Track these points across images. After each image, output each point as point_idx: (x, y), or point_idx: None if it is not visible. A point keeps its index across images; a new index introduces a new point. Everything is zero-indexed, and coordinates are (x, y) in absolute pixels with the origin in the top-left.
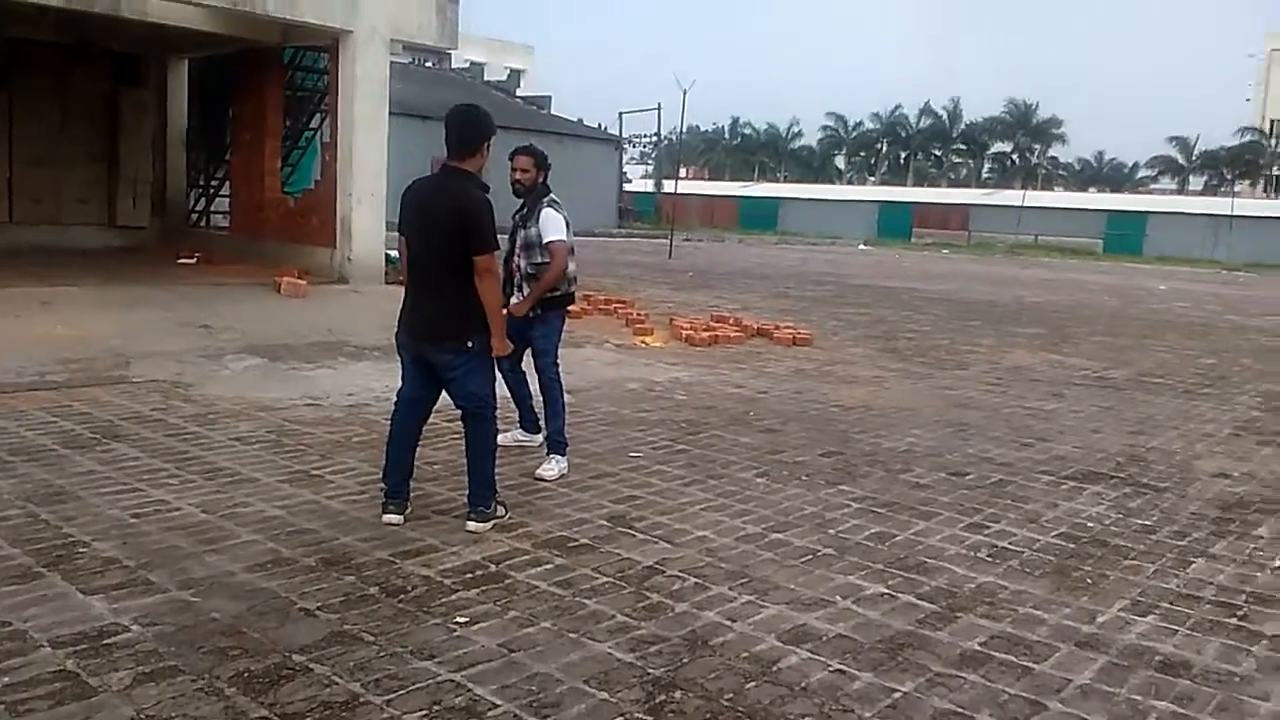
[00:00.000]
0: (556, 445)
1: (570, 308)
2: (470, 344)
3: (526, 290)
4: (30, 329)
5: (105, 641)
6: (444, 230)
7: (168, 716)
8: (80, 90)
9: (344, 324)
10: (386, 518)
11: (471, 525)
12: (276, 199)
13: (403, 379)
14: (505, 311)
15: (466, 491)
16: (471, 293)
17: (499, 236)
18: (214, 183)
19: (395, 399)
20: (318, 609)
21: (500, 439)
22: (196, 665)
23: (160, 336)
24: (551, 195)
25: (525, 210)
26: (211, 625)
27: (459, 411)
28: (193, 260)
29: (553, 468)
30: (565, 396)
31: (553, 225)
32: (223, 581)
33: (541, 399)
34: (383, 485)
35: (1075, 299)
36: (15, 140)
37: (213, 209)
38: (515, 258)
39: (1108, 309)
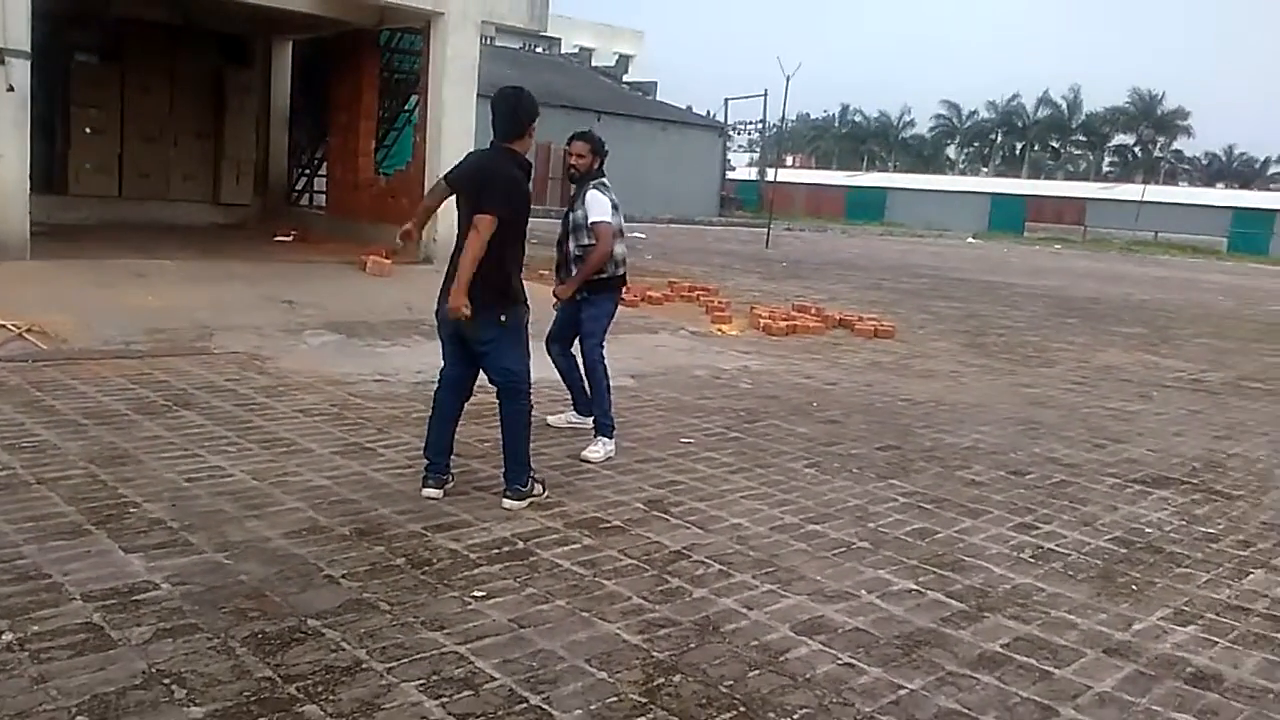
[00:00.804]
0: (604, 428)
1: (623, 290)
2: (503, 318)
3: (575, 273)
4: (123, 299)
5: (135, 598)
6: (476, 203)
7: (177, 671)
8: (188, 69)
9: (423, 303)
10: (426, 491)
11: (507, 503)
12: (370, 179)
13: (443, 356)
14: (553, 295)
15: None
16: (503, 267)
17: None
18: (314, 162)
19: (439, 375)
20: (342, 576)
21: (553, 420)
22: (215, 624)
23: (245, 310)
24: (602, 179)
25: (575, 194)
26: (237, 587)
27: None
28: (289, 238)
29: (599, 450)
30: (610, 379)
31: (598, 206)
32: (257, 546)
33: (587, 381)
34: (425, 459)
35: (1186, 298)
36: (126, 117)
37: (313, 189)
38: (565, 241)
39: (1219, 310)
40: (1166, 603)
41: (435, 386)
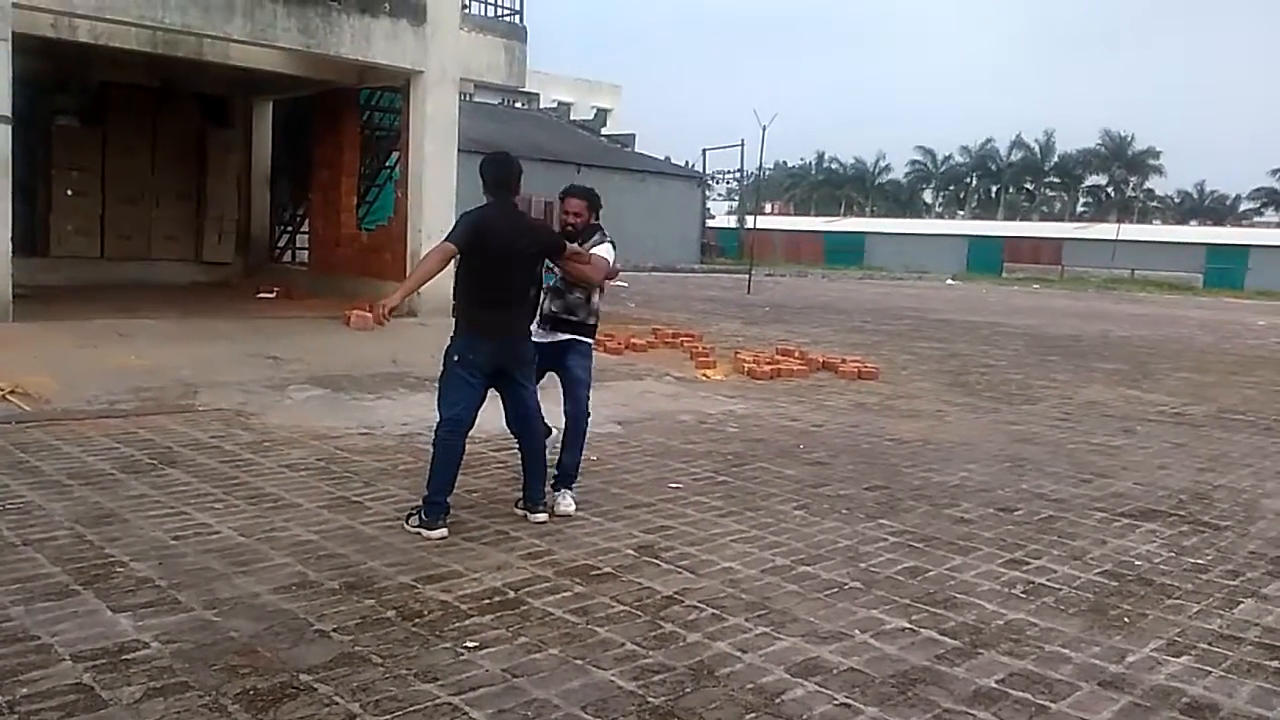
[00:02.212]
0: (571, 479)
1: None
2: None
3: (545, 327)
4: (106, 359)
5: (124, 657)
6: (533, 252)
7: None
8: (170, 131)
9: (408, 356)
10: (440, 532)
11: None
12: (352, 235)
13: (466, 400)
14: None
15: (527, 496)
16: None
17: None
18: (296, 220)
19: (449, 422)
20: (333, 631)
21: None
22: (206, 682)
23: (229, 367)
24: (601, 229)
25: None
26: (228, 644)
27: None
28: (272, 295)
29: (570, 501)
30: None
31: (604, 251)
32: (247, 602)
33: (566, 429)
34: (434, 501)
35: (1164, 334)
36: (108, 179)
37: (295, 246)
38: (544, 297)
39: (1198, 344)
40: (1159, 634)
41: (443, 433)
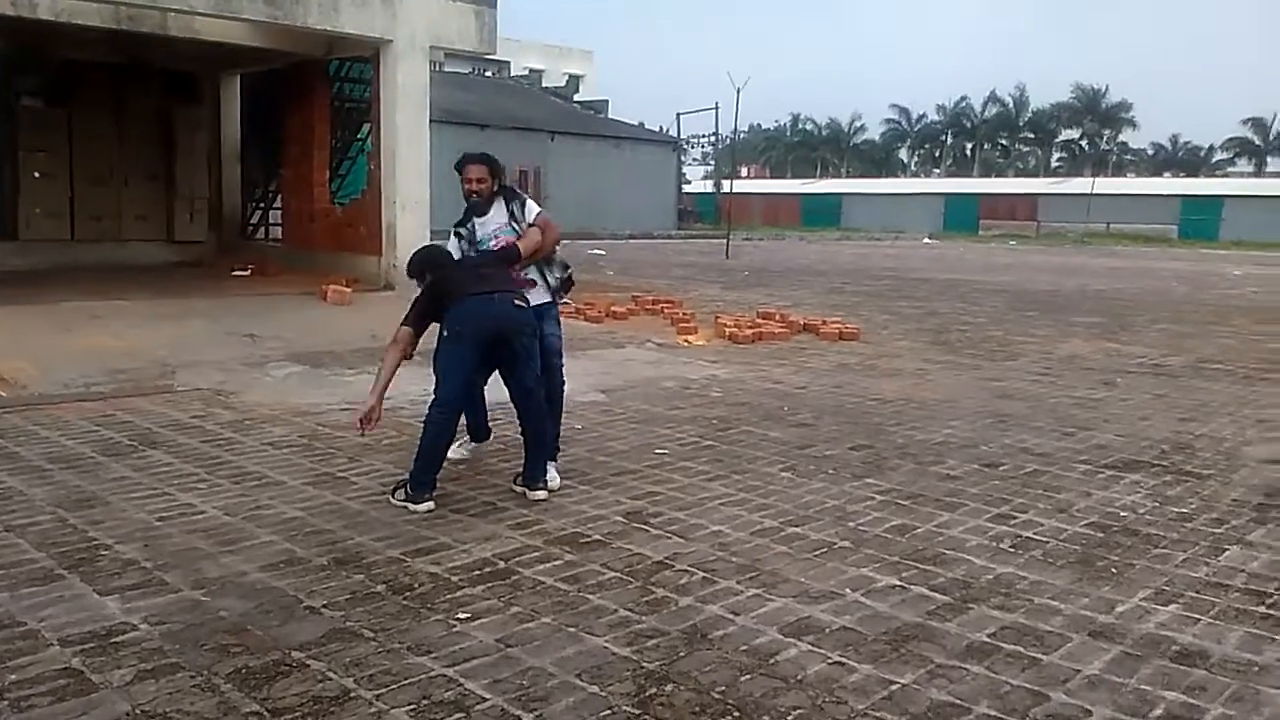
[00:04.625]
0: (554, 453)
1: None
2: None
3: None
4: (81, 342)
5: (113, 640)
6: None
7: (162, 711)
8: (136, 109)
9: (387, 329)
10: (426, 505)
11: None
12: (325, 209)
13: (462, 375)
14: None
15: (527, 473)
16: None
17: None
18: (268, 196)
19: (445, 401)
20: (323, 607)
21: (454, 453)
22: (197, 662)
23: (206, 346)
24: (514, 191)
25: (472, 217)
26: (217, 624)
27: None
28: (246, 272)
29: (556, 475)
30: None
31: (531, 208)
32: (235, 581)
33: (550, 403)
34: (422, 481)
35: (1142, 286)
36: (75, 160)
37: (268, 222)
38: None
39: (1175, 296)
40: (1147, 583)
41: (435, 414)
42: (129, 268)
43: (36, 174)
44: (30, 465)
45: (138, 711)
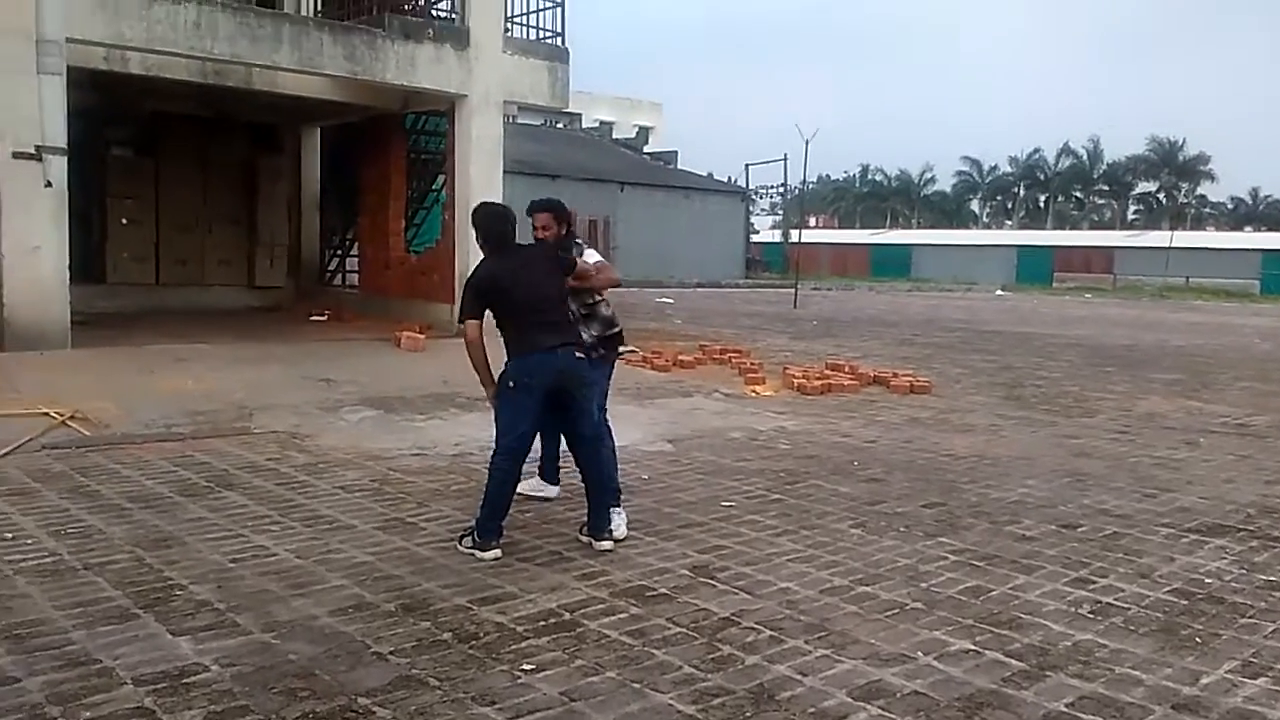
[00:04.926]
0: (617, 497)
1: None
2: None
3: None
4: (163, 384)
5: (185, 680)
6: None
7: None
8: (221, 159)
9: (459, 376)
10: (494, 554)
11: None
12: (401, 258)
13: (525, 423)
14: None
15: (591, 524)
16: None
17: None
18: (346, 243)
19: (506, 446)
20: (390, 653)
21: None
22: (265, 705)
23: (283, 390)
24: (578, 241)
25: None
26: (287, 667)
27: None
28: (323, 318)
29: (621, 524)
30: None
31: (591, 256)
32: (305, 625)
33: (594, 450)
34: (488, 528)
35: (1223, 342)
36: (161, 207)
37: (345, 269)
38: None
39: (1257, 352)
40: (1233, 655)
41: (499, 461)
42: (211, 311)
43: (124, 220)
44: (110, 504)
45: None
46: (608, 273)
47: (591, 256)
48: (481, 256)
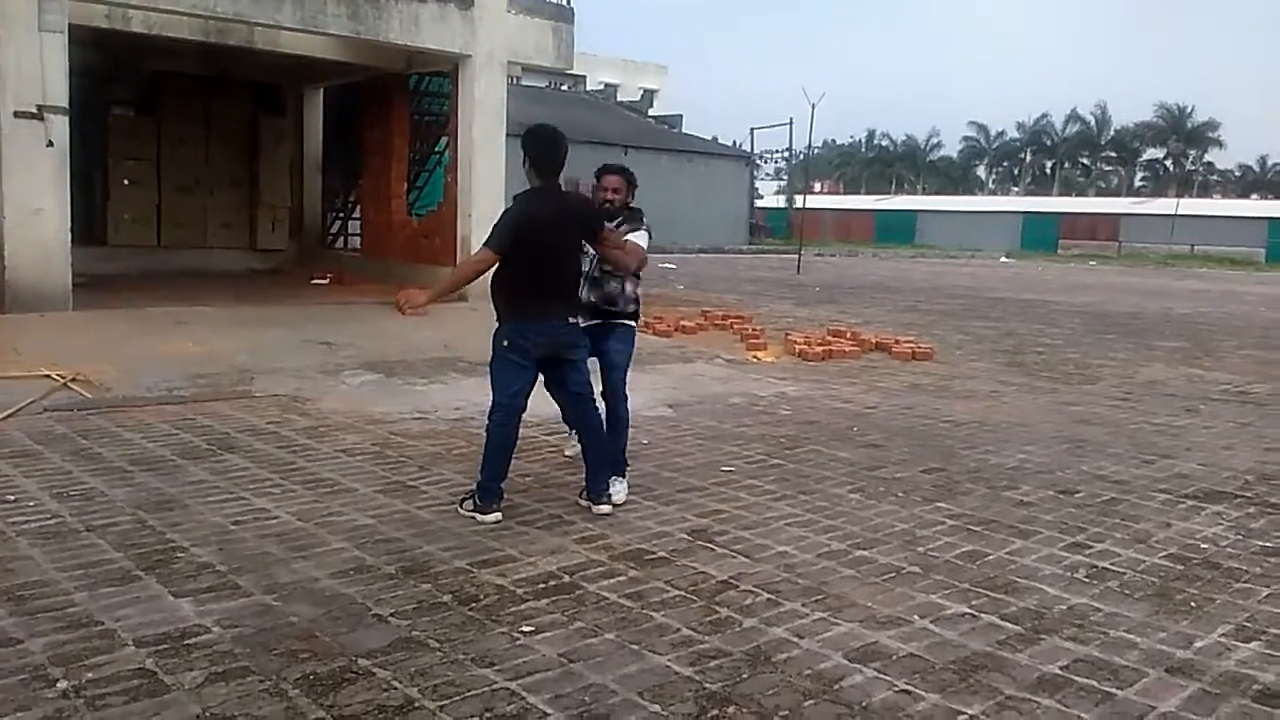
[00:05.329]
0: (622, 468)
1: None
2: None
3: (585, 315)
4: (164, 346)
5: (186, 642)
6: (576, 238)
7: (231, 715)
8: (223, 119)
9: (460, 340)
10: (494, 516)
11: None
12: (403, 220)
13: (519, 385)
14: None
15: (590, 487)
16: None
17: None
18: (348, 206)
19: (503, 409)
20: (390, 615)
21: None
22: (266, 667)
23: (284, 353)
24: (640, 214)
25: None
26: (287, 629)
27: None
28: (325, 281)
29: (622, 490)
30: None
31: (639, 239)
32: (306, 587)
33: (605, 417)
34: (488, 487)
35: (1227, 310)
36: (163, 168)
37: (347, 232)
38: (583, 286)
39: (1261, 320)
40: (1227, 619)
41: (497, 419)
42: (212, 274)
43: (126, 181)
44: (112, 466)
45: (207, 714)
46: (637, 254)
47: (641, 238)
48: (511, 200)
